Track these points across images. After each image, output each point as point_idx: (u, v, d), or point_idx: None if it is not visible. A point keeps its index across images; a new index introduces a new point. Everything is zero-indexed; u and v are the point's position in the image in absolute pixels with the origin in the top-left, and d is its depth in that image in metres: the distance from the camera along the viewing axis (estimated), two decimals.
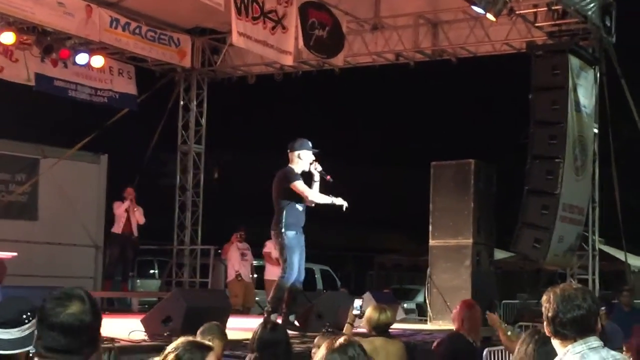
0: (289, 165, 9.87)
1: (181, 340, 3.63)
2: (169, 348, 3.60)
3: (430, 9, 15.37)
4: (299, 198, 9.77)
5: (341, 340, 4.06)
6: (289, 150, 9.92)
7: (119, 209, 15.20)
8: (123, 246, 15.36)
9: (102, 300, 16.26)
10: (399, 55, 16.14)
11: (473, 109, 31.82)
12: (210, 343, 4.04)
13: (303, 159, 9.84)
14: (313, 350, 5.55)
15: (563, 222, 13.17)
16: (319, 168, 9.84)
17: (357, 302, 7.34)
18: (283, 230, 9.69)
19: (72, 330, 2.91)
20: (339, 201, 9.83)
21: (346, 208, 9.81)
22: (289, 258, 9.71)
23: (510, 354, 6.95)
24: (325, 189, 9.93)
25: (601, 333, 3.84)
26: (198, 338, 4.64)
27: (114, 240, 15.52)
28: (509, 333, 7.42)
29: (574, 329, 3.60)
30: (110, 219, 15.78)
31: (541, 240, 12.99)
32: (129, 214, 15.18)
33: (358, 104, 32.99)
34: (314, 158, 9.86)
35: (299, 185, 9.72)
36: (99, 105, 16.03)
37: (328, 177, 9.84)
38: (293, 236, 9.73)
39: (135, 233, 15.39)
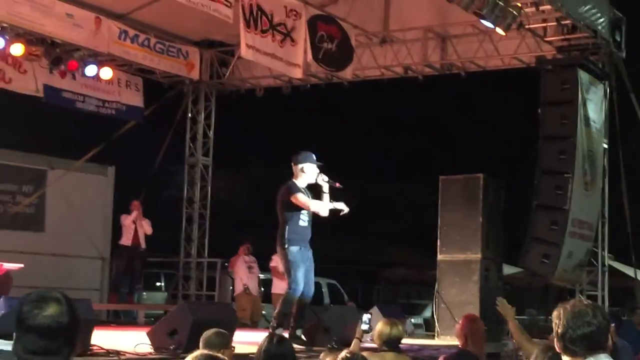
0: (292, 179, 9.75)
1: (196, 354, 3.60)
2: None
3: (440, 22, 15.34)
4: (301, 211, 9.64)
5: (344, 354, 4.00)
6: (292, 164, 9.78)
7: (127, 220, 15.24)
8: (130, 258, 15.38)
9: (108, 312, 16.26)
10: (407, 68, 16.10)
11: (482, 123, 31.74)
12: (225, 357, 4.01)
13: (307, 172, 9.68)
14: None
15: (572, 237, 13.07)
16: (326, 178, 9.71)
17: (366, 317, 7.22)
18: (286, 245, 9.55)
19: (50, 331, 2.92)
20: (340, 205, 9.63)
21: (345, 214, 9.59)
22: (294, 273, 9.55)
23: None
24: (335, 198, 9.78)
25: (612, 350, 3.78)
26: (203, 349, 4.59)
27: (121, 252, 15.53)
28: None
29: (584, 345, 3.56)
30: (117, 231, 15.76)
31: (550, 255, 12.90)
32: (137, 226, 15.20)
33: (366, 118, 32.97)
34: (318, 171, 9.73)
35: (300, 197, 9.55)
36: (106, 117, 16.03)
37: (337, 184, 9.69)
38: (297, 251, 9.56)
39: (143, 245, 15.41)
